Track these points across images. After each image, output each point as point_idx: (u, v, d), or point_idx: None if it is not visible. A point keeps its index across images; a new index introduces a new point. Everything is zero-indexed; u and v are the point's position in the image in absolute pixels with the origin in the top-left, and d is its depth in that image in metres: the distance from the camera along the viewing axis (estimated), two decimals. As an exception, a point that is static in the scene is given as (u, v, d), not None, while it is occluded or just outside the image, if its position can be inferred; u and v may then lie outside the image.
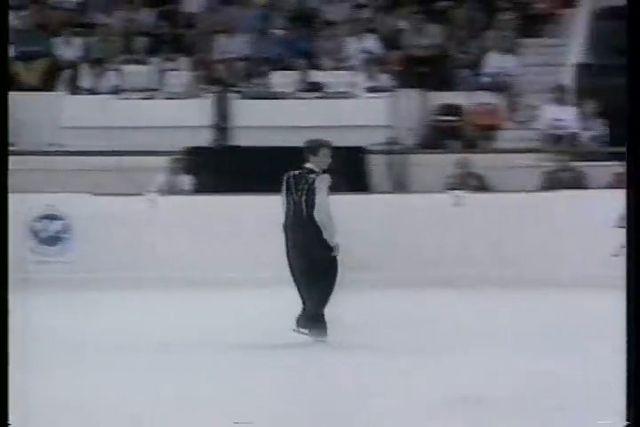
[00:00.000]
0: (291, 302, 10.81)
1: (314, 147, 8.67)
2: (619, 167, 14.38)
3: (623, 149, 16.08)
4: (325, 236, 8.36)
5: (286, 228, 8.52)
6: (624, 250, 10.66)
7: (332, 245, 8.38)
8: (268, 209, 13.43)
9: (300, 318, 8.37)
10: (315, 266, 8.38)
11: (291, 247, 8.48)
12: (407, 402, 6.35)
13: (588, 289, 11.83)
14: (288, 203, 8.54)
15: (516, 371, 7.27)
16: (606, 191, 13.80)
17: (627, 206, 4.05)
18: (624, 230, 13.70)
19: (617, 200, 12.89)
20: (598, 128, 15.29)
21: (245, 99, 15.96)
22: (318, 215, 8.37)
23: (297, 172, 8.58)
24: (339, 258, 8.44)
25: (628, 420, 3.91)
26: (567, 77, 16.21)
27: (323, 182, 8.47)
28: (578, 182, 14.32)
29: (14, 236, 5.56)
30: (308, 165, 8.59)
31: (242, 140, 15.37)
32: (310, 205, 8.42)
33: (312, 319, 8.35)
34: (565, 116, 15.41)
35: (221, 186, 13.74)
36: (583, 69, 16.35)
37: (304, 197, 8.45)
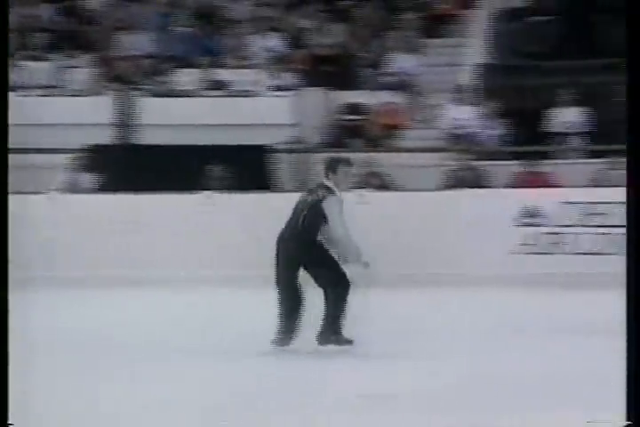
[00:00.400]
0: (200, 300, 10.86)
1: (332, 164, 8.17)
2: (519, 166, 14.68)
3: (523, 149, 16.37)
4: (350, 259, 7.93)
5: (279, 240, 8.10)
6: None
7: (350, 262, 7.93)
8: (172, 207, 13.47)
9: (319, 334, 8.03)
10: (319, 281, 8.01)
11: (280, 259, 8.07)
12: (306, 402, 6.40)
13: (491, 287, 12.00)
14: (291, 215, 8.10)
15: (419, 370, 7.37)
16: (508, 190, 14.07)
17: (627, 205, 4.03)
18: (524, 228, 13.87)
19: (518, 199, 13.33)
20: (499, 128, 15.57)
21: (149, 97, 15.84)
22: (337, 241, 7.92)
23: (316, 184, 8.18)
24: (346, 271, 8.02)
25: (628, 420, 3.94)
26: (468, 77, 16.48)
27: (334, 205, 7.93)
28: (479, 181, 14.54)
29: None
30: (326, 183, 8.07)
31: (146, 138, 15.26)
32: (307, 222, 7.97)
33: (332, 331, 8.03)
34: (467, 116, 15.66)
35: (125, 184, 13.62)
36: (484, 70, 16.66)
37: (304, 212, 7.98)
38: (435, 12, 17.68)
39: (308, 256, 7.99)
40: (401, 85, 16.35)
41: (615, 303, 10.87)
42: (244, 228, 13.10)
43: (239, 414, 6.05)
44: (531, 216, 13.36)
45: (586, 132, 15.35)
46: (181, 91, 15.94)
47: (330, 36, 17.07)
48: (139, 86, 16.10)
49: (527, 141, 15.15)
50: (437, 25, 17.46)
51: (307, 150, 15.28)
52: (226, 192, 13.34)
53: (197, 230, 13.03)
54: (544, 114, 15.41)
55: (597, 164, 14.29)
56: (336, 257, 8.00)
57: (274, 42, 16.90)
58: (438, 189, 14.09)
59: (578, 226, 13.16)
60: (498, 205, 13.18)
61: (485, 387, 6.77)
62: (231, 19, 17.40)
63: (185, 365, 7.63)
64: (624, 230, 14.13)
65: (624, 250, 15.18)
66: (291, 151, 15.11)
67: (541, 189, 13.76)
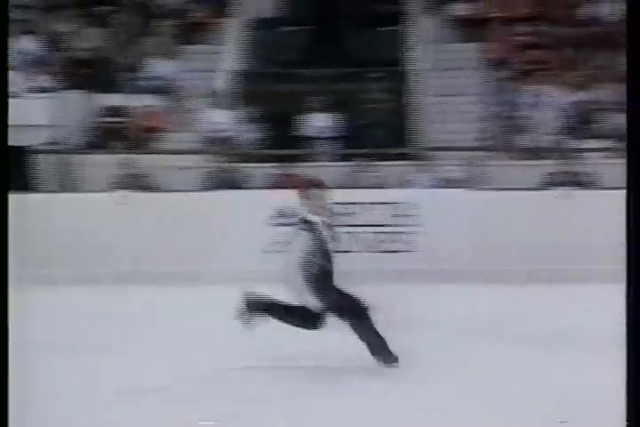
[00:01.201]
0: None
1: (304, 188, 7.38)
2: (274, 169, 15.15)
3: (278, 152, 16.74)
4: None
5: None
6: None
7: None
8: None
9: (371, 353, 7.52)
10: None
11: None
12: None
13: (246, 282, 12.31)
14: None
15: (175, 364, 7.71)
16: (263, 191, 14.51)
17: (627, 207, 3.92)
18: (278, 228, 14.21)
19: (273, 200, 13.77)
20: (255, 131, 16.03)
21: None
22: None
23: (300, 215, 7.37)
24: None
25: (627, 420, 3.89)
26: (225, 83, 16.86)
27: (306, 239, 7.26)
28: (236, 183, 14.90)
29: None
30: (304, 215, 7.36)
31: None
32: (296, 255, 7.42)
33: (377, 350, 7.45)
34: (224, 120, 16.01)
35: None
36: (240, 76, 17.11)
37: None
38: (192, 19, 17.97)
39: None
40: (161, 89, 16.56)
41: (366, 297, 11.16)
42: (13, 227, 12.99)
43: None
44: (284, 216, 13.88)
45: (336, 137, 16.05)
46: (-64, 91, 15.56)
47: (88, 40, 17.10)
48: None
49: (282, 145, 15.70)
50: (194, 31, 17.78)
51: (67, 152, 15.28)
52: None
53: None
54: (297, 119, 16.01)
55: (347, 166, 15.00)
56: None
57: (31, 44, 16.77)
58: (198, 190, 14.41)
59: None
60: (254, 205, 13.62)
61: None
62: (-15, 20, 17.12)
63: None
64: (371, 229, 14.69)
65: (370, 248, 15.76)
66: (51, 152, 15.07)
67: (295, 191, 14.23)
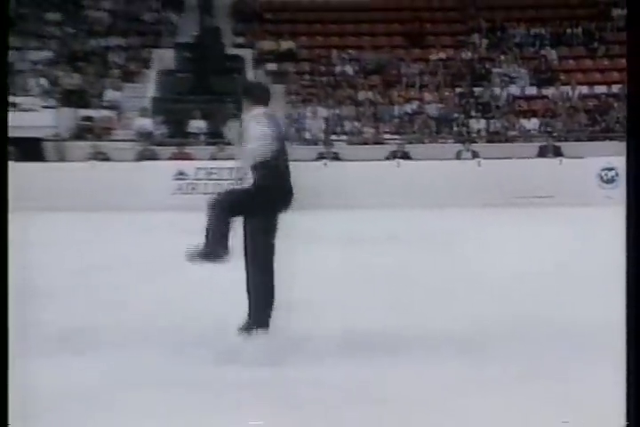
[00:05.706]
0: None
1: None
2: (175, 149, 21.23)
3: (175, 140, 27.65)
4: None
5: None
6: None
7: None
8: None
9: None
10: None
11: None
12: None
13: (166, 211, 16.34)
14: None
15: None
16: (169, 162, 19.90)
17: (627, 207, 3.50)
18: (178, 181, 23.34)
19: (174, 166, 19.56)
20: (165, 128, 22.01)
21: None
22: None
23: None
24: None
25: (627, 420, 3.58)
26: (148, 104, 22.89)
27: None
28: (154, 156, 19.95)
29: None
30: None
31: None
32: None
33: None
34: (147, 123, 21.78)
35: None
36: (156, 100, 23.06)
37: None
38: (128, 69, 24.46)
39: None
40: (112, 106, 23.14)
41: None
42: None
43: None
44: (181, 174, 19.61)
45: (208, 133, 22.18)
46: None
47: (74, 79, 22.66)
48: None
49: (178, 136, 22.15)
50: (131, 74, 24.35)
51: (60, 140, 20.87)
52: None
53: None
54: (187, 123, 23.21)
55: (212, 149, 20.59)
56: None
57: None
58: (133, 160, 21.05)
59: (204, 180, 19.33)
60: (164, 169, 19.50)
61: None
62: None
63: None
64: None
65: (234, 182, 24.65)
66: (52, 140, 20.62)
67: (186, 162, 19.95)
